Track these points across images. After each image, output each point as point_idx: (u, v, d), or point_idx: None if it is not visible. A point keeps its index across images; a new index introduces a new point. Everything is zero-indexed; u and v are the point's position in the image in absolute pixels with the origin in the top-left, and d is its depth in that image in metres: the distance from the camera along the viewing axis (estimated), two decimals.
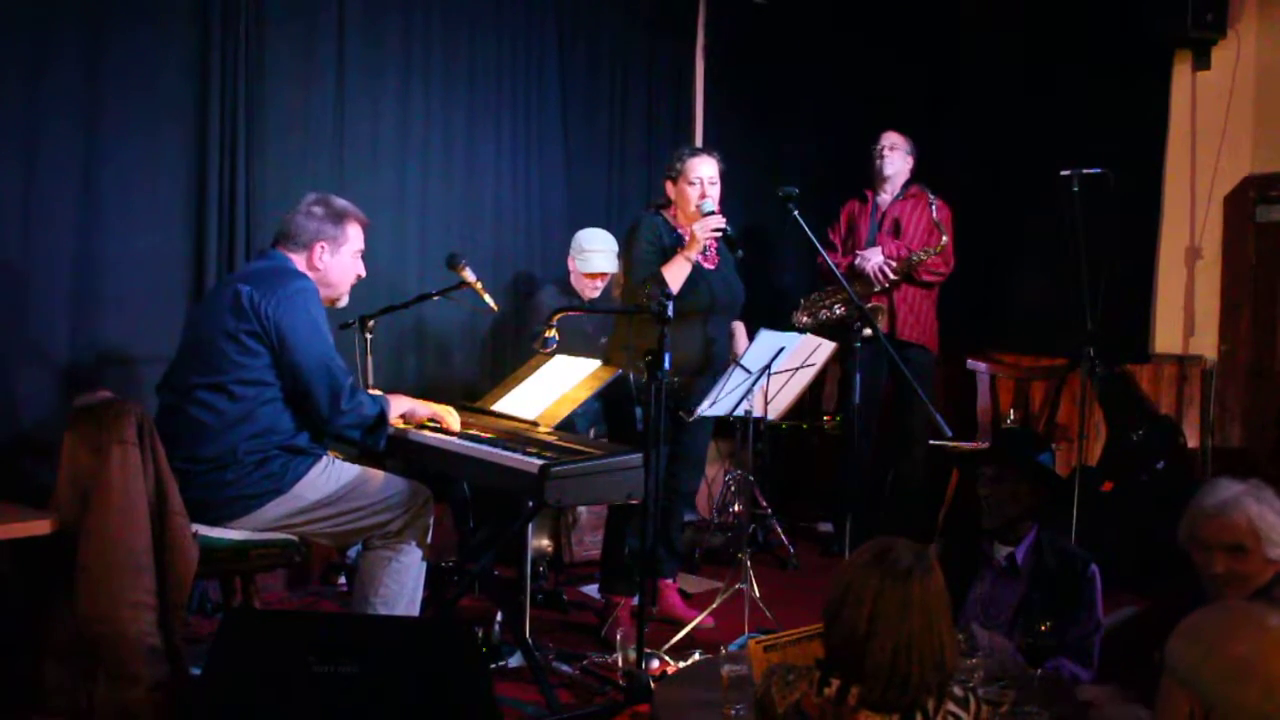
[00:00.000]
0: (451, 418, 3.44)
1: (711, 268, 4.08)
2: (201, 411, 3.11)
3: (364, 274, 3.44)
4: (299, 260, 3.30)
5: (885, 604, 1.87)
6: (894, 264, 4.99)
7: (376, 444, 3.27)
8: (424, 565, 3.32)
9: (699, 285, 3.99)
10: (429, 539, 3.34)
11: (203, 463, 3.09)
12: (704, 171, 4.01)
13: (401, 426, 3.42)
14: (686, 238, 3.95)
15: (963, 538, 3.15)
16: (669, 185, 4.09)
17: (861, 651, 1.87)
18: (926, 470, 5.21)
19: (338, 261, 3.33)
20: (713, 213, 3.91)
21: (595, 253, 4.74)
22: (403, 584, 3.25)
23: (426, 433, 3.40)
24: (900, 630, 1.86)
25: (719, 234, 3.91)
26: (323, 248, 3.30)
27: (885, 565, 1.90)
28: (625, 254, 4.20)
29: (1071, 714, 2.47)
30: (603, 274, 4.76)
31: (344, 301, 3.45)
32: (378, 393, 3.44)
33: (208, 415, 3.10)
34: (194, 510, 3.04)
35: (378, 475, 3.31)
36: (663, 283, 3.77)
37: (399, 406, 3.39)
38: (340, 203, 3.36)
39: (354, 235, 3.36)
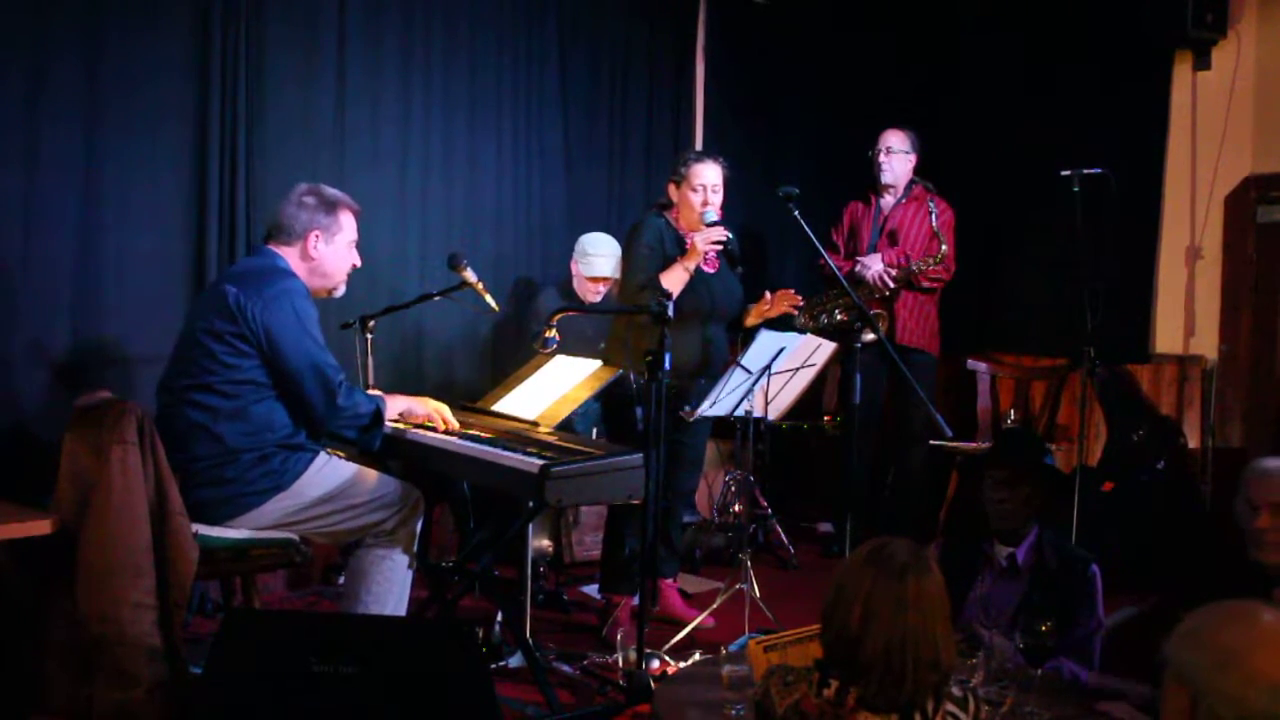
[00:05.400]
0: (448, 417, 3.43)
1: (712, 271, 4.08)
2: (196, 412, 3.10)
3: (359, 263, 3.41)
4: (292, 253, 3.27)
5: (878, 601, 1.86)
6: (894, 272, 4.98)
7: (371, 443, 3.26)
8: (411, 570, 3.32)
9: (699, 289, 3.98)
10: (415, 544, 3.34)
11: (201, 461, 3.09)
12: (708, 178, 3.99)
13: (400, 426, 3.41)
14: (688, 243, 3.94)
15: (963, 538, 3.15)
16: (672, 187, 4.08)
17: (854, 649, 1.87)
18: (926, 470, 5.21)
19: (332, 250, 3.30)
20: (715, 223, 3.91)
21: (599, 257, 4.73)
22: (393, 583, 3.26)
23: (425, 432, 3.40)
24: (893, 628, 1.85)
25: (719, 246, 3.91)
26: (317, 236, 3.27)
27: (879, 563, 1.90)
28: (625, 255, 4.19)
29: (1071, 714, 2.47)
30: (605, 279, 4.74)
31: (340, 291, 3.41)
32: (376, 393, 3.44)
33: (202, 416, 3.10)
34: (195, 510, 3.04)
35: (372, 474, 3.31)
36: (660, 289, 3.77)
37: (395, 406, 3.39)
38: (332, 192, 3.34)
39: (347, 224, 3.33)
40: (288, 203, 3.30)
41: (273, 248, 3.28)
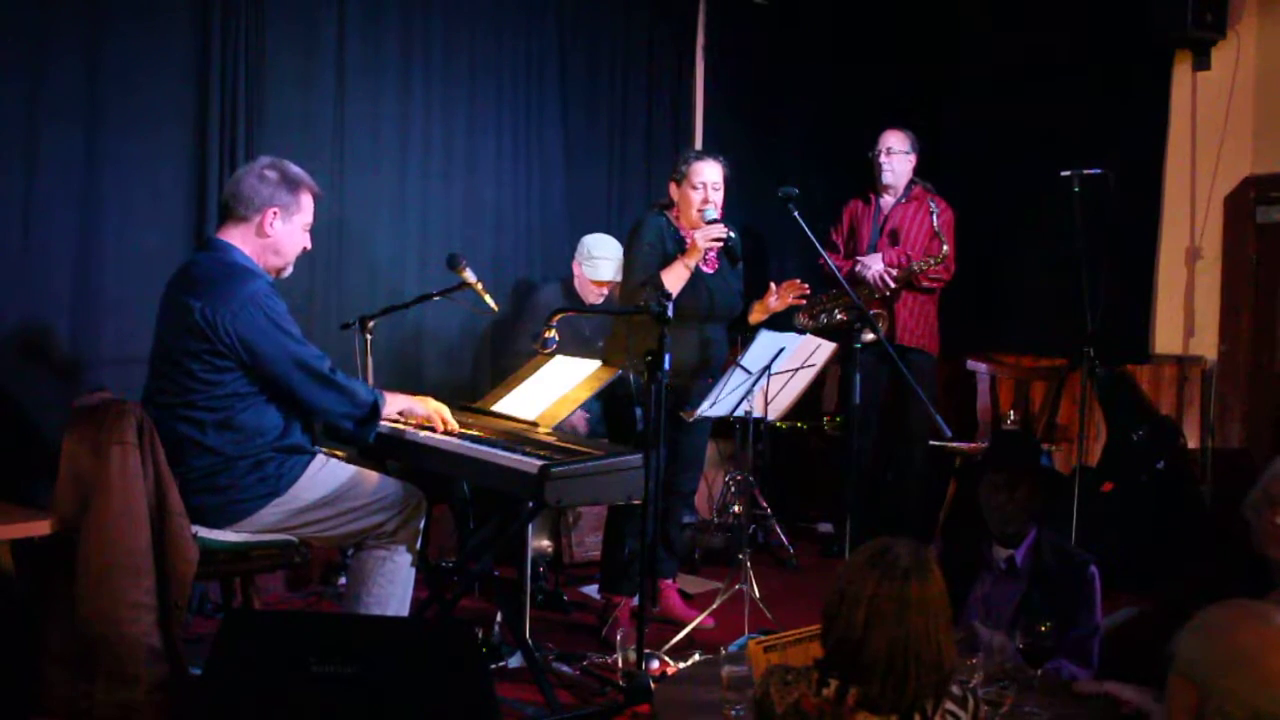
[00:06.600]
0: (448, 418, 3.42)
1: (711, 271, 4.08)
2: (185, 426, 3.06)
3: (310, 247, 3.29)
4: (246, 231, 3.13)
5: (882, 604, 1.86)
6: (894, 272, 4.98)
7: (367, 435, 3.21)
8: (414, 570, 3.30)
9: (698, 289, 3.98)
10: (419, 544, 3.32)
11: (195, 471, 3.06)
12: (708, 176, 3.99)
13: (399, 426, 3.41)
14: (689, 241, 3.94)
15: (962, 539, 3.15)
16: (673, 186, 4.08)
17: (858, 651, 1.87)
18: (926, 470, 5.21)
19: (289, 231, 3.17)
20: (715, 220, 3.91)
21: (604, 260, 4.72)
22: (395, 584, 3.24)
23: (425, 433, 3.39)
24: (897, 630, 1.85)
25: (719, 243, 3.90)
26: (275, 214, 3.13)
27: (883, 565, 1.90)
28: (626, 253, 4.19)
29: (1071, 714, 2.47)
30: (609, 282, 4.74)
31: (288, 272, 3.29)
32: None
33: (191, 430, 3.05)
34: (192, 516, 3.03)
35: (373, 475, 3.28)
36: (660, 287, 3.77)
37: (395, 404, 3.35)
38: (295, 170, 3.21)
39: (307, 206, 3.22)
40: (248, 174, 3.15)
41: (224, 237, 3.14)
